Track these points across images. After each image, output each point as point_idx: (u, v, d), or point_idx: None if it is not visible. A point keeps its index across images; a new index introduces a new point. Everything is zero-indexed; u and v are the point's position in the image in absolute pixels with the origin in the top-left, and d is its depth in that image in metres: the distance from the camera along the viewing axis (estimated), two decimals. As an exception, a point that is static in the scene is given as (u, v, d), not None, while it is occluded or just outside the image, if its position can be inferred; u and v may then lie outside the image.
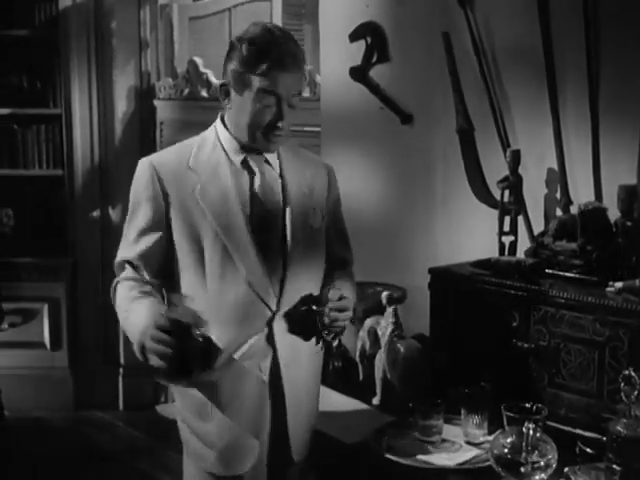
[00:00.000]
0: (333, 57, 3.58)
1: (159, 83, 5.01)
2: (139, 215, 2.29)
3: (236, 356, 2.23)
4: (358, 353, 2.84)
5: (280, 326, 2.26)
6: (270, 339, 2.26)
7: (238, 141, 2.27)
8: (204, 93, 4.72)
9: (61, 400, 5.08)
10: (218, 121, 2.33)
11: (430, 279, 2.75)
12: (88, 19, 4.93)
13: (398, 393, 2.66)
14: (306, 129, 4.13)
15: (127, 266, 2.27)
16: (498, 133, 3.00)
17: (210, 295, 2.23)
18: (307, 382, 2.36)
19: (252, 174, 2.28)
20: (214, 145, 2.29)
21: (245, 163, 2.28)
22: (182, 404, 2.33)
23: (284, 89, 2.18)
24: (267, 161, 2.30)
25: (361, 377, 2.86)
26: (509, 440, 2.05)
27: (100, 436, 4.78)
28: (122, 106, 5.04)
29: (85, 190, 5.06)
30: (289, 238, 2.28)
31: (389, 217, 3.48)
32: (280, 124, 2.20)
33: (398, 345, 2.67)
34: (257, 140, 2.24)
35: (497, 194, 2.87)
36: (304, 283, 2.31)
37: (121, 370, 5.17)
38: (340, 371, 2.98)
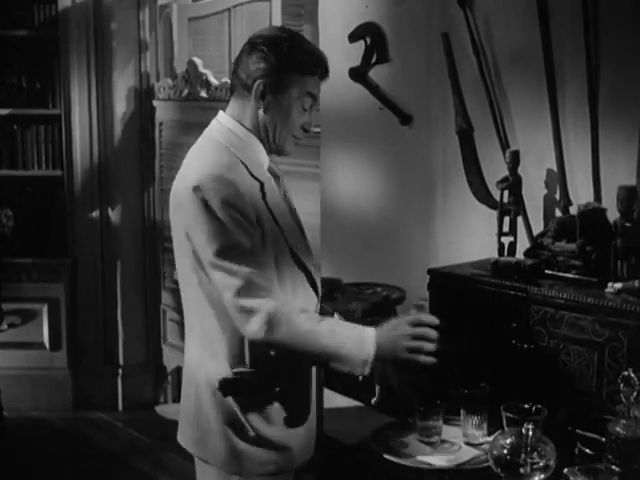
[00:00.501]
0: (332, 58, 3.52)
1: (158, 84, 5.01)
2: (247, 229, 2.09)
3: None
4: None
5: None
6: None
7: (263, 143, 2.22)
8: (203, 93, 4.71)
9: (60, 400, 5.08)
10: (235, 125, 2.22)
11: (429, 280, 2.75)
12: (88, 20, 4.93)
13: (397, 394, 2.66)
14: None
15: (272, 295, 2.08)
16: (497, 134, 3.00)
17: (287, 296, 2.18)
18: None
19: (276, 177, 2.28)
20: (252, 151, 2.21)
21: (269, 168, 2.27)
22: (250, 416, 2.19)
23: (318, 94, 2.24)
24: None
25: (360, 377, 2.86)
26: (508, 441, 2.05)
27: (99, 436, 4.79)
28: (121, 107, 5.04)
29: (84, 191, 5.06)
30: (306, 234, 2.33)
31: (388, 217, 3.48)
32: (311, 128, 2.24)
33: (397, 346, 2.66)
34: (287, 142, 2.22)
35: (496, 195, 2.87)
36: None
37: (120, 370, 5.17)
38: (339, 371, 2.97)
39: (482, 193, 3.06)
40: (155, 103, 5.00)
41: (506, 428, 2.10)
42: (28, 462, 4.39)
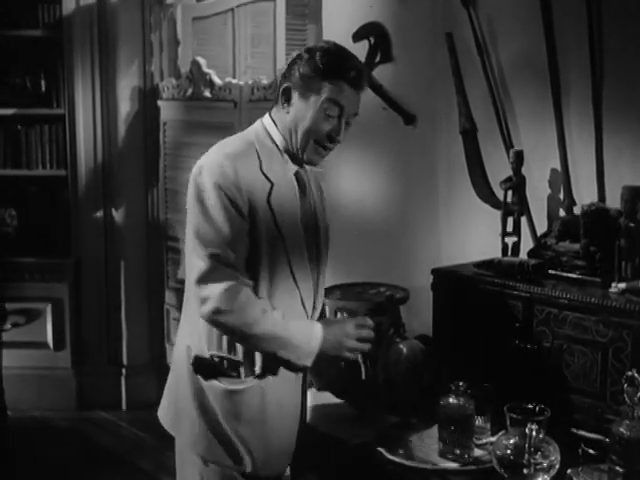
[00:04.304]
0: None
1: (162, 83, 5.01)
2: (231, 215, 2.13)
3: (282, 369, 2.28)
4: (360, 354, 2.84)
5: None
6: None
7: (291, 150, 2.26)
8: (207, 93, 4.71)
9: (64, 400, 5.09)
10: (271, 125, 2.28)
11: (433, 280, 2.75)
12: (92, 20, 4.93)
13: (401, 394, 2.66)
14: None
15: (240, 274, 2.15)
16: (501, 134, 3.00)
17: (273, 300, 2.24)
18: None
19: (302, 187, 2.30)
20: (274, 153, 2.26)
21: (297, 174, 2.29)
22: (221, 405, 2.26)
23: (349, 104, 2.22)
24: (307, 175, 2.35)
25: (363, 378, 2.86)
26: (512, 441, 2.05)
27: (103, 436, 4.79)
28: (125, 106, 5.04)
29: (88, 190, 5.06)
30: (322, 251, 2.36)
31: (392, 217, 3.48)
32: (339, 138, 2.24)
33: (401, 346, 2.66)
34: (307, 149, 2.24)
35: (500, 195, 2.87)
36: (322, 293, 2.41)
37: (124, 370, 5.17)
38: (343, 372, 2.97)
39: (486, 193, 3.06)
40: (159, 103, 5.00)
41: (510, 428, 2.09)
42: (31, 462, 4.40)
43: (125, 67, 5.00)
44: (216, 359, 2.25)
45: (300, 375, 2.32)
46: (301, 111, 2.21)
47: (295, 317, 2.26)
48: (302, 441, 2.38)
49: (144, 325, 5.19)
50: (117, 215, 5.10)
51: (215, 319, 2.14)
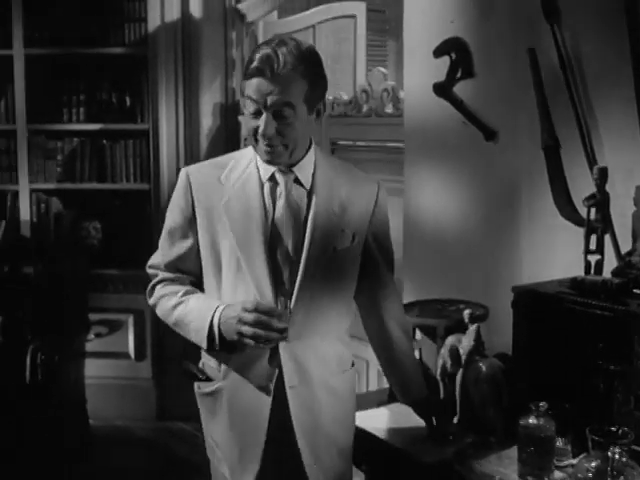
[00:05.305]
0: (417, 73, 3.58)
1: (243, 99, 5.07)
2: (173, 221, 2.37)
3: (240, 372, 2.29)
4: (439, 371, 2.82)
5: (287, 348, 2.25)
6: (275, 360, 2.26)
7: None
8: (287, 109, 4.76)
9: (144, 410, 5.17)
10: None
11: (514, 297, 2.71)
12: (176, 37, 5.03)
13: (479, 413, 2.63)
14: (389, 145, 4.14)
15: (161, 271, 2.43)
16: (585, 150, 2.95)
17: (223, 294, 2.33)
18: (324, 406, 2.33)
19: (277, 191, 2.27)
20: (250, 160, 2.31)
21: (272, 179, 2.28)
22: (200, 407, 2.45)
23: (260, 96, 2.16)
24: (297, 179, 2.29)
25: (442, 395, 2.84)
26: (594, 464, 2.01)
27: (180, 446, 4.84)
28: (207, 121, 5.12)
29: (170, 204, 5.14)
30: (303, 259, 2.25)
31: (472, 234, 3.45)
32: (262, 132, 2.17)
33: (480, 364, 2.64)
34: (257, 149, 2.25)
35: (583, 212, 2.82)
36: (319, 306, 2.29)
37: (203, 382, 5.23)
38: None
39: (568, 210, 3.01)
40: (240, 118, 5.07)
41: (592, 451, 2.06)
42: (112, 470, 4.48)
43: (208, 83, 5.08)
44: (204, 366, 2.42)
45: (268, 384, 2.26)
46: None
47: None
48: (293, 466, 2.32)
49: (223, 338, 5.25)
50: (198, 229, 5.17)
51: (149, 302, 2.51)
